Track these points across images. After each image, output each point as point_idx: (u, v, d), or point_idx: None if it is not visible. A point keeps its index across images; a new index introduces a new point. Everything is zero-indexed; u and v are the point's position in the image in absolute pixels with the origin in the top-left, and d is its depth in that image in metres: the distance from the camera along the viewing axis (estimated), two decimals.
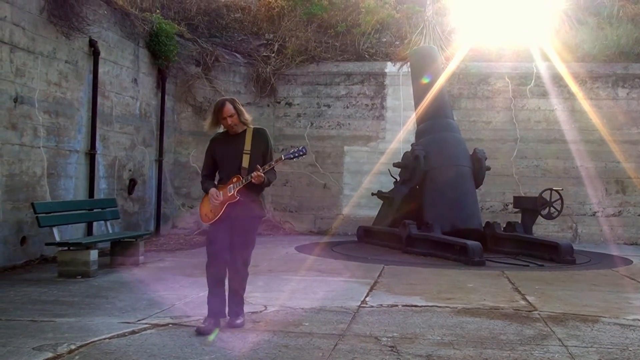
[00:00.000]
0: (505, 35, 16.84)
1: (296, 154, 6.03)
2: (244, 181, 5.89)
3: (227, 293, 6.13)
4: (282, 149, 16.89)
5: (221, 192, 5.97)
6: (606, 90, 16.32)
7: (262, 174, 5.85)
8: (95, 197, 11.89)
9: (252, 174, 5.84)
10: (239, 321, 6.04)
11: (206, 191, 6.10)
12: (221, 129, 6.20)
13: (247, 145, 6.01)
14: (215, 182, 6.24)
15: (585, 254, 12.79)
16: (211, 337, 5.61)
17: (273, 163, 5.99)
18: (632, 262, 12.04)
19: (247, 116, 6.06)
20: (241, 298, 6.20)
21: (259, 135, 6.12)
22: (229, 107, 5.94)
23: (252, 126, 6.13)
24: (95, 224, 11.69)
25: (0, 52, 9.44)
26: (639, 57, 16.40)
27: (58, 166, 10.96)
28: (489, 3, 17.49)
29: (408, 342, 5.58)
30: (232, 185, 5.94)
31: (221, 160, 6.15)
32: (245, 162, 5.97)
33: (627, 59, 16.41)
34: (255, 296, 7.64)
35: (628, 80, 16.27)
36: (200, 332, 5.72)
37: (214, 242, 6.02)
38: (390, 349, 5.34)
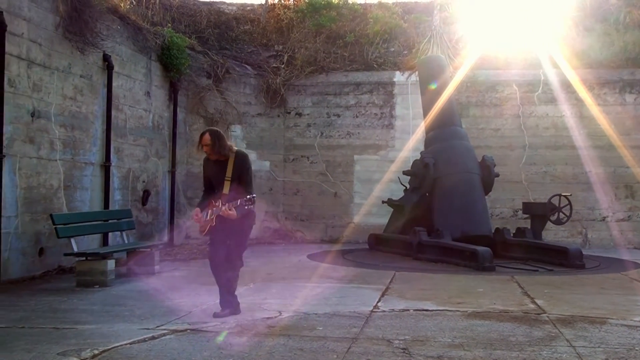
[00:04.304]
0: (512, 43, 16.97)
1: (245, 203, 6.63)
2: (219, 210, 6.77)
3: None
4: (293, 159, 17.18)
5: (204, 213, 6.99)
6: (614, 96, 16.45)
7: (231, 212, 6.67)
8: (110, 208, 12.09)
9: (222, 209, 6.71)
10: (225, 312, 6.95)
11: (200, 206, 7.12)
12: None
13: (229, 172, 6.93)
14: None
15: (595, 259, 12.89)
16: (220, 338, 5.96)
17: (232, 206, 6.68)
18: None
19: (226, 149, 6.95)
20: (230, 291, 7.09)
21: (239, 161, 6.99)
22: (207, 137, 6.92)
23: (234, 151, 7.03)
24: (110, 234, 11.89)
25: (18, 68, 9.69)
26: None
27: (74, 178, 11.19)
28: (497, 11, 17.65)
29: (419, 344, 5.74)
30: (213, 209, 6.87)
31: (213, 182, 7.12)
32: (226, 188, 6.89)
33: (634, 64, 16.53)
34: (270, 302, 7.84)
35: (635, 85, 16.40)
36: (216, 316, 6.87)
37: (212, 248, 7.11)
38: (402, 351, 5.50)
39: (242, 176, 6.96)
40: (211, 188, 7.13)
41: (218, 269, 7.01)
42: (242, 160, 7.02)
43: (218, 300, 7.18)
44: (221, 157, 6.99)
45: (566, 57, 16.38)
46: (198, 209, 7.05)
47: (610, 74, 16.48)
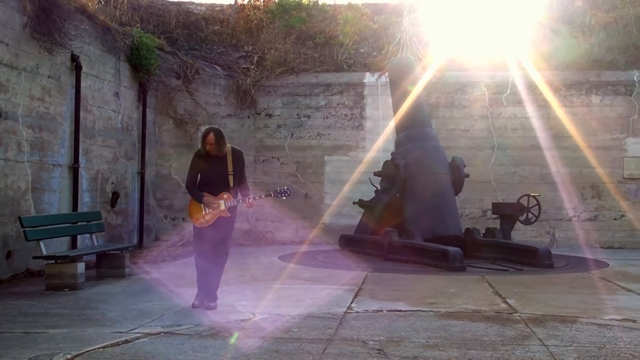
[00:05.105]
0: (481, 45, 17.13)
1: (282, 194, 7.71)
2: (235, 202, 7.47)
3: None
4: (263, 160, 17.13)
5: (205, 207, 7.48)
6: (580, 97, 16.69)
7: (254, 203, 7.56)
8: (79, 210, 11.93)
9: (248, 200, 7.51)
10: (213, 304, 7.50)
11: (199, 199, 7.47)
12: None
13: (230, 167, 7.52)
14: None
15: (563, 258, 13.05)
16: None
17: (263, 196, 7.91)
18: (608, 264, 12.33)
19: (226, 147, 7.53)
20: (218, 283, 7.73)
21: (237, 157, 7.63)
22: (211, 137, 7.40)
23: (229, 148, 7.59)
24: (79, 237, 11.73)
25: None
26: (611, 64, 16.79)
27: (42, 180, 11.02)
28: (465, 13, 17.80)
29: (394, 345, 5.76)
30: (223, 201, 7.43)
31: (208, 177, 7.56)
32: (232, 182, 7.51)
33: (600, 66, 16.79)
34: (243, 304, 7.81)
35: (601, 87, 16.65)
36: (195, 307, 7.43)
37: (202, 240, 7.54)
38: (377, 351, 5.51)
39: (244, 171, 7.70)
40: (197, 183, 7.58)
41: (206, 263, 7.50)
42: (240, 156, 7.67)
43: (192, 303, 7.28)
44: (219, 154, 7.48)
45: (533, 60, 16.59)
46: (211, 197, 7.42)
47: (577, 76, 16.72)
